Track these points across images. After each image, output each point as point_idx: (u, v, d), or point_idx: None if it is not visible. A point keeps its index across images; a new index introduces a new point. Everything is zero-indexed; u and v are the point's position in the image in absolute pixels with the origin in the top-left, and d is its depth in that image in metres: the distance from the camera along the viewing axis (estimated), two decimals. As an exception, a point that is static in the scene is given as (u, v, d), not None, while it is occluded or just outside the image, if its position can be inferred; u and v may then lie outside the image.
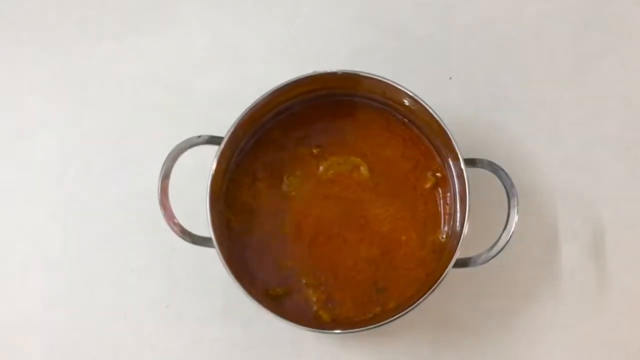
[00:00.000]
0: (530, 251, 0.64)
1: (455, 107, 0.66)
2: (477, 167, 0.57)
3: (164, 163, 0.56)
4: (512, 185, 0.55)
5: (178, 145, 0.57)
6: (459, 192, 0.58)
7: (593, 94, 0.67)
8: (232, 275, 0.54)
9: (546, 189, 0.65)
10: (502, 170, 0.56)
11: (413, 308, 0.54)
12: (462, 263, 0.56)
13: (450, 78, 0.68)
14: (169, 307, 0.64)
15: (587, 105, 0.67)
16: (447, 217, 0.60)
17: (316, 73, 0.58)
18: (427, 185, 0.61)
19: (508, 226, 0.55)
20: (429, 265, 0.59)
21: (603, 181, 0.66)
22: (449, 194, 0.61)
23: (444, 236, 0.60)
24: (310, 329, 0.56)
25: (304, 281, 0.59)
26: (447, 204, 0.61)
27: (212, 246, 0.55)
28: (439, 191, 0.61)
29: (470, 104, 0.67)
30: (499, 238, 0.55)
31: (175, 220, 0.56)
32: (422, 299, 0.54)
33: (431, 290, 0.54)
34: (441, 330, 0.63)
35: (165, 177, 0.56)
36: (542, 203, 0.65)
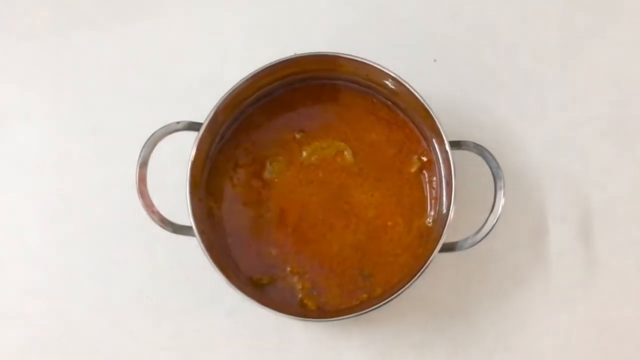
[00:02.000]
0: (518, 234, 0.63)
1: (440, 90, 0.65)
2: (463, 149, 0.56)
3: (142, 150, 0.55)
4: (498, 167, 0.54)
5: (156, 132, 0.56)
6: (445, 176, 0.58)
7: (580, 75, 0.67)
8: (213, 264, 0.53)
9: (533, 171, 0.64)
10: (488, 152, 0.55)
11: (399, 294, 0.54)
12: (449, 248, 0.55)
13: (435, 60, 0.67)
14: (150, 297, 0.63)
15: (574, 86, 0.66)
16: (433, 201, 0.60)
17: (297, 55, 0.57)
18: (413, 169, 0.60)
19: (494, 209, 0.54)
20: (415, 250, 0.59)
21: (591, 162, 0.65)
22: (434, 178, 0.60)
23: (431, 221, 0.59)
24: (296, 317, 0.56)
25: (288, 269, 0.59)
26: (433, 188, 0.60)
27: (193, 235, 0.54)
28: (424, 175, 0.60)
29: (455, 86, 0.66)
30: (486, 221, 0.54)
31: (154, 209, 0.55)
32: (408, 285, 0.54)
33: (417, 275, 0.53)
34: (430, 316, 0.62)
35: (143, 165, 0.55)
36: (530, 185, 0.64)
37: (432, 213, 0.60)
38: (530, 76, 0.66)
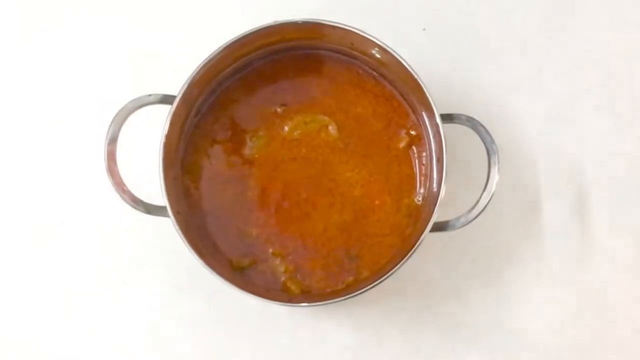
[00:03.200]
0: (511, 212, 0.62)
1: (429, 60, 0.64)
2: (455, 123, 0.54)
3: (110, 126, 0.53)
4: (492, 141, 0.53)
5: (126, 106, 0.53)
6: (436, 151, 0.56)
7: (576, 42, 0.65)
8: (190, 247, 0.52)
9: (527, 145, 0.63)
10: (482, 125, 0.53)
11: (388, 277, 0.52)
12: (440, 227, 0.53)
13: (424, 29, 0.65)
14: (126, 282, 0.62)
15: (571, 55, 0.65)
16: (422, 178, 0.58)
17: (276, 23, 0.55)
18: (401, 145, 0.59)
19: (488, 186, 0.52)
20: (404, 230, 0.58)
21: (588, 136, 0.63)
22: (424, 154, 0.58)
23: (420, 199, 0.58)
24: (279, 302, 0.54)
25: (270, 250, 0.57)
26: (423, 164, 0.58)
27: (168, 216, 0.52)
28: (413, 150, 0.59)
29: (445, 55, 0.64)
30: (479, 199, 0.53)
31: (125, 188, 0.53)
32: (397, 267, 0.52)
33: (407, 257, 0.52)
34: (419, 297, 0.61)
35: (112, 141, 0.53)
36: (523, 160, 0.63)
37: (422, 191, 0.58)
38: (526, 43, 0.65)
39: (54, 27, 0.66)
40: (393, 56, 0.54)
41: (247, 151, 0.59)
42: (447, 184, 0.53)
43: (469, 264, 0.62)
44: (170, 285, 0.61)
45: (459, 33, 0.65)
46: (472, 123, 0.54)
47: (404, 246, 0.56)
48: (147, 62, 0.64)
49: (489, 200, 0.52)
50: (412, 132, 0.59)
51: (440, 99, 0.54)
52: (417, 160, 0.59)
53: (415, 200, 0.58)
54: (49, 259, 0.62)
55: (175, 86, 0.54)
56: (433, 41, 0.65)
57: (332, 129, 0.59)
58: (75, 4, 0.66)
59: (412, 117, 0.59)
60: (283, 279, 0.57)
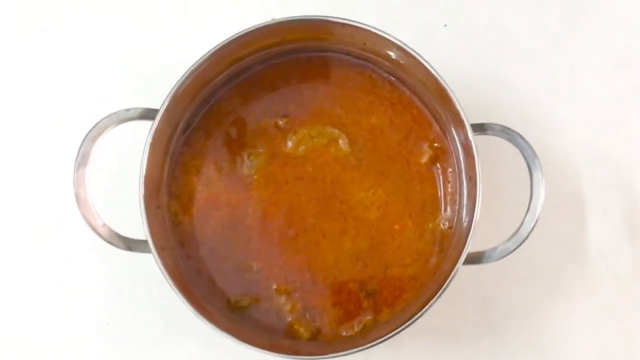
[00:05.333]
0: (551, 234, 0.58)
1: (452, 60, 0.61)
2: (487, 134, 0.51)
3: (80, 147, 0.50)
4: (534, 155, 0.49)
5: (99, 123, 0.50)
6: (465, 168, 0.54)
7: (621, 37, 0.62)
8: (176, 289, 0.48)
9: (567, 156, 0.60)
10: (521, 137, 0.50)
11: (415, 320, 0.48)
12: (474, 259, 0.50)
13: (445, 25, 0.62)
14: (109, 324, 0.59)
15: (614, 52, 0.62)
16: (448, 198, 0.55)
17: (276, 21, 0.52)
18: (423, 160, 0.56)
19: (531, 208, 0.49)
20: (428, 259, 0.55)
21: (636, 143, 0.61)
22: (450, 170, 0.56)
23: (446, 223, 0.55)
24: (282, 355, 0.49)
25: (273, 287, 0.55)
26: (449, 182, 0.56)
27: (151, 252, 0.50)
28: (437, 166, 0.56)
29: (470, 55, 0.62)
30: (521, 225, 0.49)
31: (100, 223, 0.50)
32: (425, 308, 0.48)
33: (437, 295, 0.48)
34: (447, 336, 0.59)
35: (81, 164, 0.50)
36: (563, 174, 0.60)
37: (448, 213, 0.55)
38: (560, 39, 0.62)
39: (54, 27, 0.64)
40: (414, 57, 0.51)
41: (244, 171, 0.56)
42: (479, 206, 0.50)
43: (504, 296, 0.59)
44: (159, 326, 0.59)
45: (484, 30, 0.62)
46: (508, 134, 0.50)
47: (429, 278, 0.54)
48: (128, 74, 0.63)
49: (534, 226, 0.48)
50: (436, 145, 0.56)
51: (464, 105, 0.51)
52: (441, 177, 0.56)
53: (441, 224, 0.55)
54: (49, 259, 0.60)
55: (156, 99, 0.51)
56: (455, 39, 0.62)
57: (342, 143, 0.57)
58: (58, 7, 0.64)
59: (435, 127, 0.56)
60: (289, 319, 0.54)
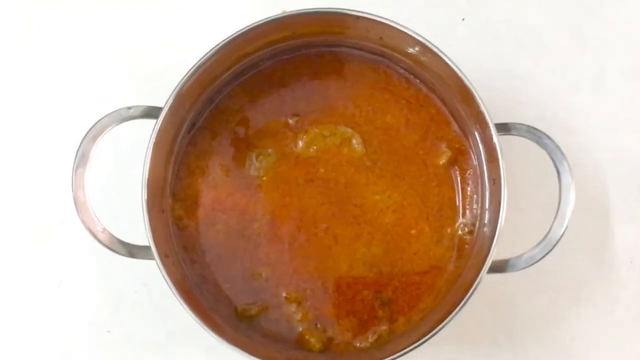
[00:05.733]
0: (576, 239, 0.56)
1: (470, 56, 0.60)
2: (511, 134, 0.49)
3: (79, 146, 0.48)
4: (563, 158, 0.47)
5: (99, 121, 0.49)
6: (488, 169, 0.52)
7: None
8: (180, 298, 0.47)
9: (592, 157, 0.59)
10: (549, 138, 0.48)
11: (435, 334, 0.46)
12: (497, 268, 0.48)
13: (464, 19, 0.61)
14: (111, 331, 0.58)
15: (639, 45, 0.60)
16: (467, 201, 0.54)
17: (286, 14, 0.50)
18: (441, 161, 0.55)
19: (560, 214, 0.47)
20: (446, 266, 0.54)
21: None
22: (470, 171, 0.55)
23: (466, 228, 0.54)
24: None
25: (283, 295, 0.54)
26: (468, 185, 0.55)
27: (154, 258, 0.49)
28: (456, 168, 0.55)
29: (489, 50, 0.61)
30: (549, 232, 0.47)
31: (100, 228, 0.48)
32: (447, 320, 0.46)
33: (459, 306, 0.47)
34: (465, 346, 0.58)
35: (80, 165, 0.48)
36: (588, 175, 0.58)
37: (468, 218, 0.54)
38: (585, 33, 0.61)
39: (53, 22, 0.63)
40: (434, 53, 0.49)
41: (253, 172, 0.55)
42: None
43: (525, 304, 0.58)
44: (163, 333, 0.58)
45: (503, 24, 0.61)
46: (535, 135, 0.49)
47: (448, 286, 0.53)
48: (131, 71, 0.61)
49: (563, 233, 0.46)
50: (455, 145, 0.55)
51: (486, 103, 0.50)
52: (459, 179, 0.55)
53: (460, 229, 0.54)
54: (48, 261, 0.60)
55: (160, 97, 0.50)
56: (473, 33, 0.61)
57: (356, 143, 0.56)
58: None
59: (454, 126, 0.55)
60: (300, 329, 0.53)
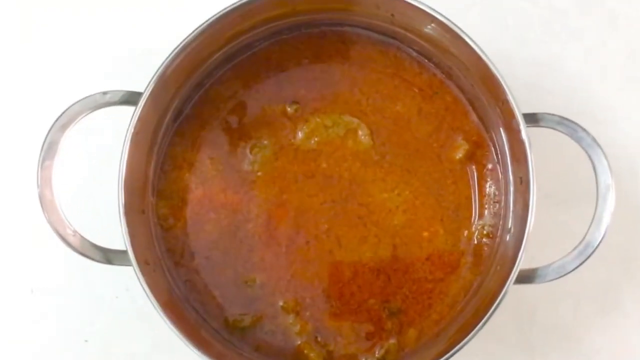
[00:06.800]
0: (605, 246, 0.51)
1: (489, 40, 0.55)
2: (540, 126, 0.46)
3: (46, 137, 0.45)
4: (601, 154, 0.44)
5: (69, 109, 0.46)
6: (513, 166, 0.50)
7: None
8: (160, 310, 0.44)
9: (626, 152, 0.57)
10: (584, 130, 0.45)
11: (454, 353, 0.43)
12: (524, 278, 0.45)
13: None
14: (89, 341, 0.56)
15: None
16: (486, 200, 0.52)
17: None
18: (458, 155, 0.53)
19: (597, 217, 0.43)
20: (462, 273, 0.52)
21: None
22: (490, 167, 0.52)
23: (484, 230, 0.52)
24: None
25: (280, 303, 0.52)
26: (487, 182, 0.52)
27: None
28: (474, 164, 0.53)
29: (510, 34, 0.59)
30: (584, 237, 0.44)
31: (70, 230, 0.45)
32: (467, 338, 0.43)
33: (483, 321, 0.43)
34: (480, 358, 0.56)
35: (47, 158, 0.45)
36: (621, 174, 0.55)
37: (486, 219, 0.52)
38: (617, 13, 0.59)
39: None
40: (454, 33, 0.46)
41: (246, 167, 0.53)
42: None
43: (549, 314, 0.56)
44: (145, 343, 0.56)
45: (527, 4, 0.59)
46: (568, 128, 0.45)
47: (463, 295, 0.50)
48: (119, 46, 0.59)
49: (601, 240, 0.43)
50: (473, 138, 0.53)
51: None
52: (476, 176, 0.53)
53: (478, 232, 0.52)
54: (18, 262, 0.58)
55: (141, 81, 0.47)
56: (492, 15, 0.59)
57: (362, 134, 0.54)
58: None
59: (473, 116, 0.53)
60: (298, 342, 0.52)
